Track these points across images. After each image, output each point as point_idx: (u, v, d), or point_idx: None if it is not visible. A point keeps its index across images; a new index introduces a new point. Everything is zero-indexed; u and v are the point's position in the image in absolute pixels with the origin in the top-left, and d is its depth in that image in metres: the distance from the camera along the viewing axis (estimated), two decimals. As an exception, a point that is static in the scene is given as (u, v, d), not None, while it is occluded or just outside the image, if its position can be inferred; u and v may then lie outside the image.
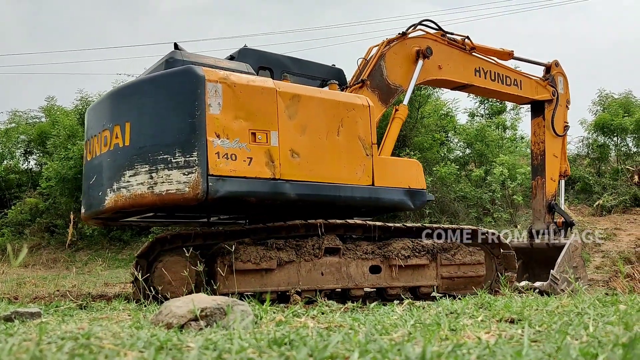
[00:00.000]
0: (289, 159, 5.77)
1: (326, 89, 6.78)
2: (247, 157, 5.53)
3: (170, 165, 5.39)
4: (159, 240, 5.77)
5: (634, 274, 11.93)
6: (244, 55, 6.91)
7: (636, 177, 17.29)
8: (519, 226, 15.17)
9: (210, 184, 5.27)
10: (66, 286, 11.03)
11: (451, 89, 8.72)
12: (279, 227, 5.96)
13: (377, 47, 7.51)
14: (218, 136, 5.41)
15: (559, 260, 7.55)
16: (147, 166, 5.49)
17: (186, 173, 5.32)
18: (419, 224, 6.39)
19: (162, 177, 5.42)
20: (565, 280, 7.12)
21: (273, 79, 6.61)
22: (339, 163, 6.06)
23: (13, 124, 22.59)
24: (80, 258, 17.01)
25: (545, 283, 7.11)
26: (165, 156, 5.41)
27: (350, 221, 6.10)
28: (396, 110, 7.45)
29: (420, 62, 7.49)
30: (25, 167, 21.83)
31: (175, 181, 5.36)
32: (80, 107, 19.33)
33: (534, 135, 9.33)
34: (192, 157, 5.33)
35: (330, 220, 6.03)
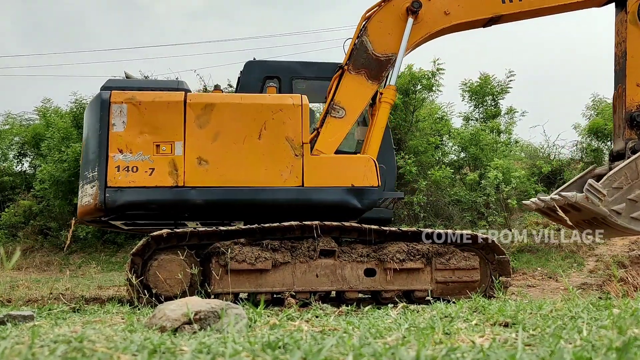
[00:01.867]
0: (195, 166, 6.13)
1: None
2: (150, 168, 6.09)
3: (86, 181, 6.24)
4: (154, 239, 5.77)
5: (627, 277, 11.98)
6: (249, 69, 7.18)
7: (630, 181, 17.35)
8: (513, 229, 15.20)
9: (107, 195, 5.98)
10: (60, 289, 10.99)
11: (482, 27, 7.44)
12: (275, 228, 5.96)
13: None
14: (121, 151, 6.11)
15: (612, 172, 6.16)
16: (81, 182, 6.44)
17: (92, 186, 6.08)
18: (415, 228, 6.39)
19: (84, 190, 6.27)
20: (618, 200, 5.99)
21: (280, 86, 6.97)
22: (258, 166, 6.21)
23: (7, 126, 22.48)
24: (74, 261, 16.94)
25: (578, 194, 6.05)
26: (85, 172, 6.28)
27: (345, 224, 6.10)
28: (380, 94, 6.98)
29: (410, 20, 6.83)
30: (19, 169, 21.72)
31: (87, 194, 6.17)
32: (75, 110, 19.26)
33: (617, 36, 7.50)
34: (95, 172, 6.08)
35: (326, 223, 6.03)
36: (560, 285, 11.75)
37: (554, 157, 20.07)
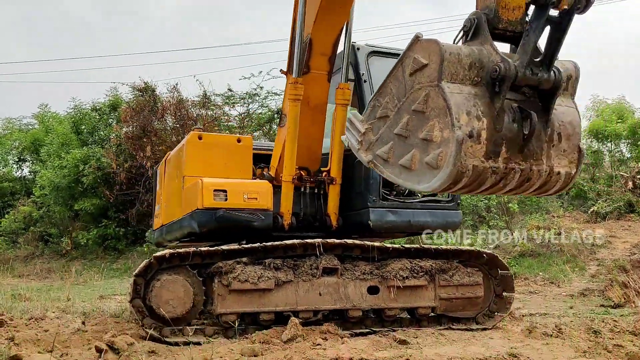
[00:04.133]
0: None
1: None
2: None
3: None
4: (157, 259, 5.75)
5: (629, 282, 11.94)
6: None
7: (630, 183, 17.34)
8: (515, 233, 15.20)
9: None
10: (61, 299, 10.96)
11: None
12: (277, 246, 5.93)
13: None
14: None
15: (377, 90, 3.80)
16: None
17: None
18: (417, 245, 6.37)
19: None
20: (383, 138, 3.70)
21: None
22: None
23: (7, 131, 22.47)
24: (74, 267, 16.91)
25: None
26: None
27: (348, 241, 6.08)
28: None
29: None
30: (19, 175, 21.72)
31: None
32: (74, 115, 19.25)
33: None
34: None
35: (328, 240, 6.01)
36: (563, 291, 11.75)
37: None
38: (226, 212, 6.12)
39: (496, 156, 3.42)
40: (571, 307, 9.43)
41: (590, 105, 19.88)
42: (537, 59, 3.43)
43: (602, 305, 9.74)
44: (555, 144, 3.59)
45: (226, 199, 6.18)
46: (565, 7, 3.29)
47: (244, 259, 5.84)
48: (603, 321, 7.31)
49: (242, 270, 5.74)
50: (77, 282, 15.55)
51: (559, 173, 3.62)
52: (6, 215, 19.28)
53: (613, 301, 10.20)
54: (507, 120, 3.42)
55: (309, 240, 5.96)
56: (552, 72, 3.43)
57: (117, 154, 16.85)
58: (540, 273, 13.30)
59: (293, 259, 6.00)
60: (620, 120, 18.26)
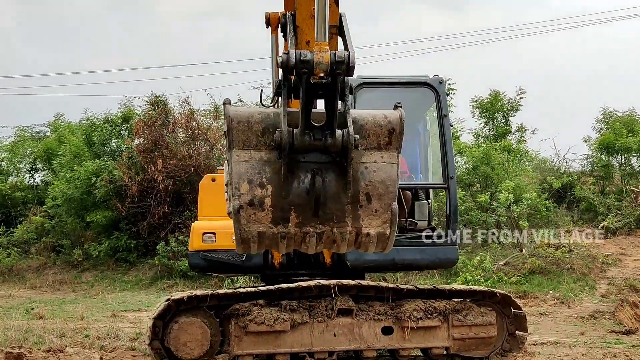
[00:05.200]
0: None
1: None
2: None
3: None
4: (176, 302, 5.84)
5: (639, 302, 11.93)
6: None
7: (640, 198, 17.31)
8: (524, 250, 15.21)
9: None
10: (75, 318, 11.08)
11: None
12: (293, 288, 6.01)
13: None
14: None
15: None
16: None
17: None
18: (431, 286, 6.43)
19: None
20: None
21: None
22: None
23: (19, 140, 22.64)
24: (86, 279, 17.08)
25: None
26: None
27: (363, 282, 6.15)
28: None
29: None
30: (31, 184, 21.89)
31: None
32: (87, 127, 19.41)
33: None
34: None
35: (343, 282, 6.08)
36: (573, 312, 11.77)
37: (564, 171, 20.05)
38: (214, 253, 6.74)
39: (285, 221, 3.45)
40: (582, 334, 9.46)
41: (600, 118, 19.80)
42: (322, 123, 3.35)
43: (614, 331, 9.76)
44: (363, 205, 3.48)
45: (214, 241, 6.78)
46: (322, 74, 3.20)
47: (260, 301, 5.92)
48: (615, 356, 7.37)
49: (258, 313, 5.83)
50: (89, 294, 15.72)
51: (368, 234, 3.53)
52: (19, 226, 19.43)
53: (624, 326, 10.20)
54: (297, 185, 3.40)
55: (324, 282, 6.03)
56: (338, 135, 3.34)
57: (128, 167, 16.97)
58: (551, 292, 13.31)
59: (309, 300, 6.07)
60: (630, 135, 18.20)
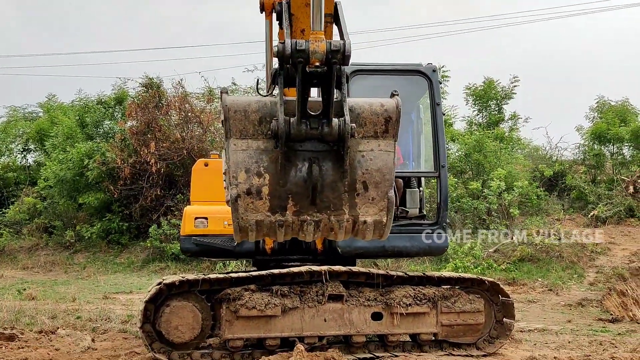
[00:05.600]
0: None
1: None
2: None
3: None
4: (167, 286, 5.88)
5: (627, 290, 12.07)
6: None
7: (631, 187, 17.43)
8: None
9: None
10: (66, 299, 11.12)
11: None
12: (285, 274, 6.06)
13: None
14: None
15: None
16: None
17: None
18: (421, 273, 6.49)
19: None
20: None
21: None
22: None
23: (12, 120, 22.49)
24: (78, 261, 17.10)
25: None
26: None
27: (353, 269, 6.20)
28: None
29: None
30: (24, 165, 21.79)
31: None
32: (79, 108, 19.29)
33: None
34: None
35: (334, 268, 6.13)
36: (561, 300, 11.91)
37: (556, 159, 20.15)
38: (206, 238, 6.76)
39: (283, 210, 3.49)
40: (569, 321, 9.58)
41: (595, 106, 19.86)
42: (318, 112, 3.36)
43: (600, 319, 9.88)
44: (360, 193, 3.52)
45: (206, 226, 6.80)
46: (317, 63, 3.22)
47: (252, 286, 5.97)
48: (601, 344, 7.48)
49: (249, 297, 5.88)
50: (81, 276, 15.74)
51: (365, 222, 3.56)
52: (11, 206, 19.37)
53: (611, 314, 10.32)
54: (294, 174, 3.42)
55: (315, 268, 6.08)
56: (334, 124, 3.36)
57: (121, 149, 16.93)
58: (539, 279, 13.46)
59: (299, 286, 6.12)
60: (623, 124, 18.29)
